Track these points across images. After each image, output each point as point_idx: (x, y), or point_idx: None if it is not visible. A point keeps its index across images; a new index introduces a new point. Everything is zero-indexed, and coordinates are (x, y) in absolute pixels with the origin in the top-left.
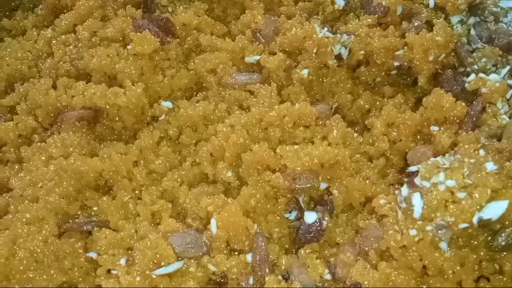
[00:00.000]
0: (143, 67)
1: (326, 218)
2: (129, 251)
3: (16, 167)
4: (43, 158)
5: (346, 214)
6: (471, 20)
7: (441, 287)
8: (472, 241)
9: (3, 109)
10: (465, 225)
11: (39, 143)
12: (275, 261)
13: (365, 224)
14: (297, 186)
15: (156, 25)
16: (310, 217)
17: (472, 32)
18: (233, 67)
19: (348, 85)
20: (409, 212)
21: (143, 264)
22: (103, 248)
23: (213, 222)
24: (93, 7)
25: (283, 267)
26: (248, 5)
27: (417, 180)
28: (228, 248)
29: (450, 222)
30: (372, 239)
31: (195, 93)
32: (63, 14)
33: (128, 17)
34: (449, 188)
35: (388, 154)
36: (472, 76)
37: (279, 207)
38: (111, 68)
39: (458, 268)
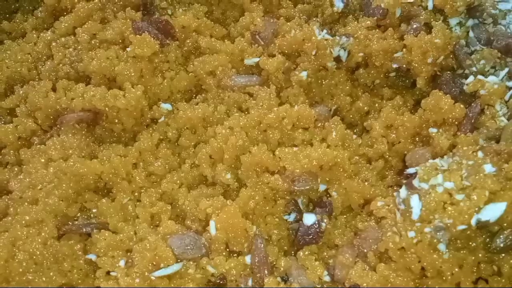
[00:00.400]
0: (142, 70)
1: (325, 220)
2: (128, 253)
3: (16, 169)
4: (43, 160)
5: (345, 216)
6: (470, 22)
7: None
8: (470, 243)
9: (2, 112)
10: (463, 226)
11: (38, 146)
12: (274, 262)
13: (363, 226)
14: (296, 188)
15: (156, 28)
16: (309, 219)
17: (471, 34)
18: (232, 69)
19: (347, 87)
20: (407, 214)
21: (142, 265)
22: (102, 250)
23: (212, 224)
24: (93, 10)
25: (282, 268)
26: (247, 7)
27: (415, 182)
28: (227, 249)
29: (448, 224)
30: (370, 240)
31: (194, 95)
32: (63, 16)
33: (128, 20)
34: (447, 190)
35: (387, 156)
36: (471, 78)
37: (278, 209)
38: (110, 71)
39: (456, 269)
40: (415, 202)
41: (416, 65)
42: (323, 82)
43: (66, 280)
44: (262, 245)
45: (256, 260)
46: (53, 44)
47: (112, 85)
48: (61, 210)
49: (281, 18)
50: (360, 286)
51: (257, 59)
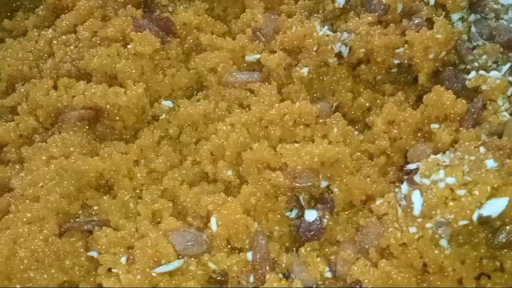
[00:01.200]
0: (143, 67)
1: (327, 216)
2: (130, 250)
3: (17, 167)
4: (44, 158)
5: (346, 212)
6: (472, 17)
7: (442, 285)
8: (472, 239)
9: (4, 110)
10: (464, 222)
11: (40, 143)
12: (276, 259)
13: (365, 222)
14: (297, 184)
15: (157, 25)
16: (311, 215)
17: (473, 29)
18: (233, 66)
19: (349, 83)
20: (409, 210)
21: (144, 262)
22: (103, 247)
23: (213, 220)
24: (94, 7)
25: (283, 265)
26: (248, 4)
27: (416, 178)
28: (229, 246)
29: (450, 219)
30: (372, 236)
31: (195, 92)
32: (64, 14)
33: (129, 17)
34: (449, 185)
35: (389, 152)
36: (473, 73)
37: (280, 206)
38: (111, 68)
39: (458, 265)
40: (416, 198)
41: (418, 60)
42: (325, 78)
43: (68, 277)
44: (264, 241)
45: (257, 257)
46: (54, 42)
47: (113, 82)
48: (62, 207)
49: (282, 14)
50: (362, 282)
51: (258, 56)
